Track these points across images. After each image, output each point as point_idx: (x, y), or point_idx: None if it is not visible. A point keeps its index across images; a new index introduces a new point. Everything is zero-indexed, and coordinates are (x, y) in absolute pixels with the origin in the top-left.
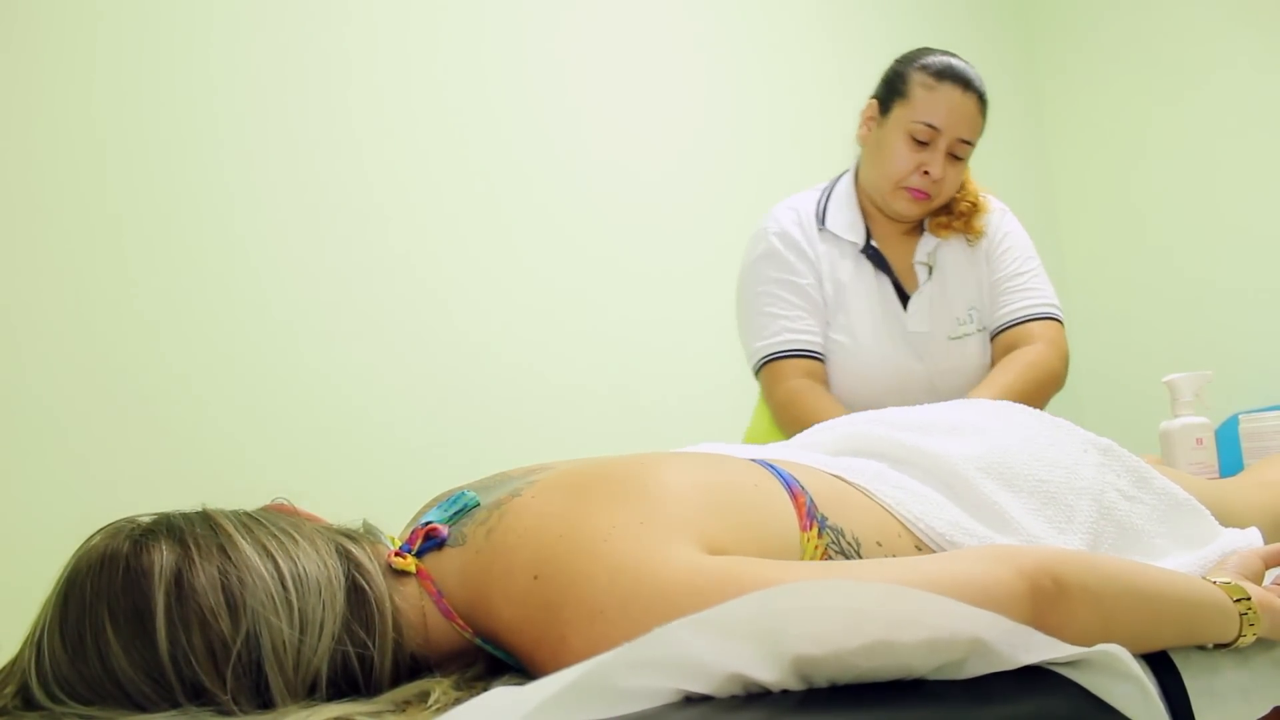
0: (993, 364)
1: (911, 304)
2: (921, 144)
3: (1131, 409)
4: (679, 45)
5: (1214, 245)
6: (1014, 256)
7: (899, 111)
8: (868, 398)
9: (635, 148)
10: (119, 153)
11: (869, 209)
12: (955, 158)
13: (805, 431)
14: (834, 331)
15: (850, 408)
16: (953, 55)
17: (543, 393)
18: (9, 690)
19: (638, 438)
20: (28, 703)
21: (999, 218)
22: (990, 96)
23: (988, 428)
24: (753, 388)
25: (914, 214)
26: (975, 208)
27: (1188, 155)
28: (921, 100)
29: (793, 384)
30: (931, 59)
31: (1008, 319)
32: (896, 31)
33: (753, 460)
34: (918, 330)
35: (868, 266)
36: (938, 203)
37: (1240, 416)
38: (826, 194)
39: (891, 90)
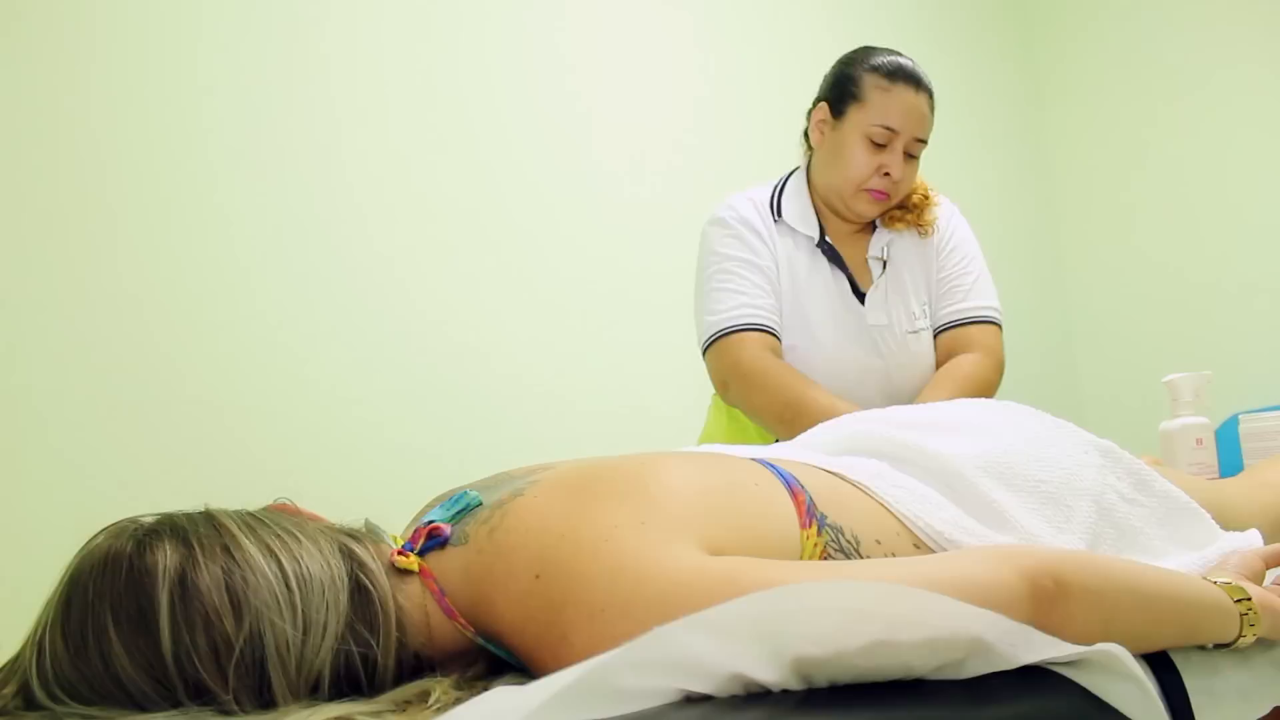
0: (936, 364)
1: (869, 298)
2: (879, 146)
3: (1131, 409)
4: (677, 44)
5: (1214, 245)
6: (960, 255)
7: (855, 115)
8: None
9: (633, 146)
10: (118, 152)
11: (821, 207)
12: (910, 156)
13: (807, 431)
14: (791, 324)
15: None
16: (898, 54)
17: (544, 393)
18: (10, 690)
19: (639, 438)
20: (28, 702)
21: (949, 216)
22: (990, 96)
23: (989, 427)
24: None
25: (874, 214)
26: (926, 200)
27: (1188, 155)
28: (877, 103)
29: (752, 353)
30: (881, 60)
31: (948, 319)
32: (897, 30)
33: (753, 459)
34: (876, 323)
35: (823, 261)
36: (895, 201)
37: (1240, 416)
38: (779, 188)
39: (843, 93)
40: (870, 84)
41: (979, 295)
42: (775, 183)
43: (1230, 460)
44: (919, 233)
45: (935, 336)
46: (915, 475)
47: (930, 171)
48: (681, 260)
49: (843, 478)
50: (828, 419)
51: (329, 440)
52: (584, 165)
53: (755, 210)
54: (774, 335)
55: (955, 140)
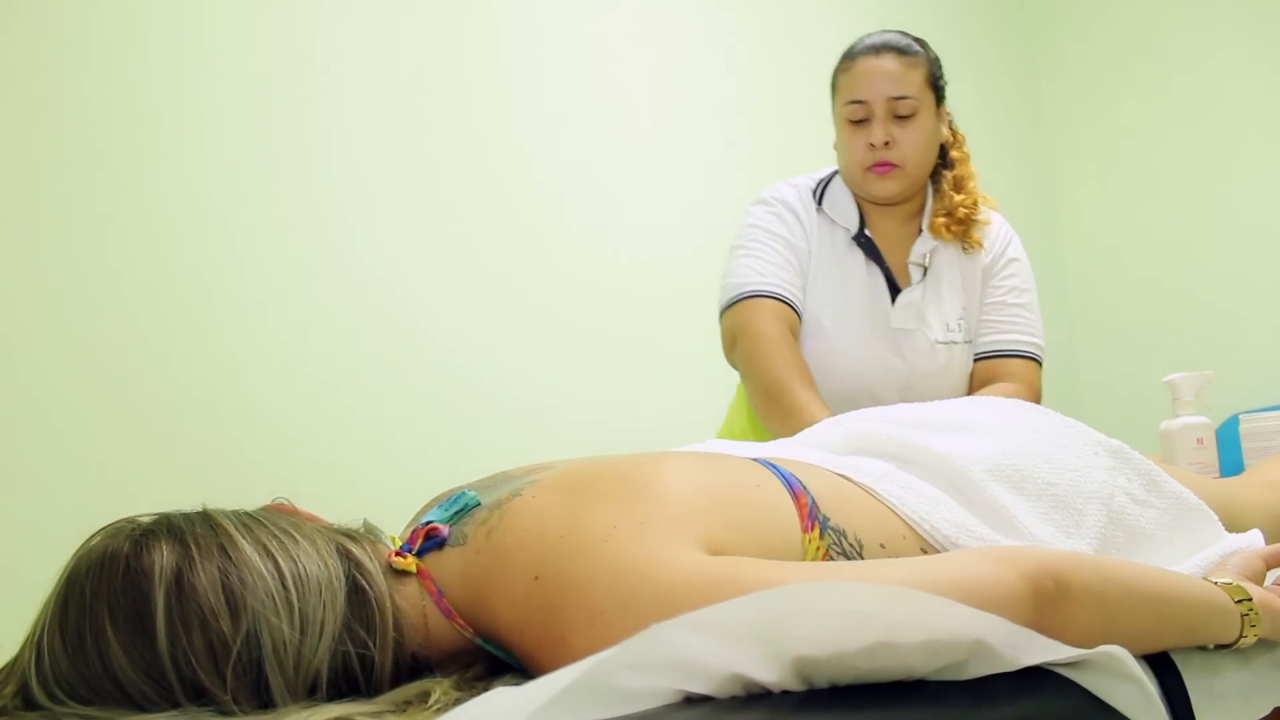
0: (970, 386)
1: (900, 299)
2: (859, 123)
3: (1132, 409)
4: (675, 43)
5: (1214, 245)
6: (1014, 285)
7: (835, 106)
8: (839, 385)
9: (632, 143)
10: (116, 151)
11: (864, 204)
12: (900, 117)
13: (810, 429)
14: (815, 305)
15: (821, 393)
16: (875, 34)
17: (543, 393)
18: (9, 690)
19: (640, 437)
20: (28, 703)
21: (1005, 238)
22: (990, 96)
23: (997, 426)
24: None
25: (892, 190)
26: (973, 212)
27: (1188, 155)
28: (843, 85)
29: (767, 320)
30: (853, 45)
31: (992, 348)
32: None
33: (754, 460)
34: (902, 326)
35: (859, 254)
36: (912, 171)
37: (1240, 416)
38: (826, 181)
39: (831, 91)
40: (838, 72)
41: (1026, 329)
42: (824, 173)
43: (1230, 460)
44: (964, 247)
45: (976, 360)
46: (923, 477)
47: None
48: (680, 262)
49: (848, 479)
50: (800, 418)
51: (327, 440)
52: (586, 166)
53: (798, 196)
54: (793, 309)
55: None
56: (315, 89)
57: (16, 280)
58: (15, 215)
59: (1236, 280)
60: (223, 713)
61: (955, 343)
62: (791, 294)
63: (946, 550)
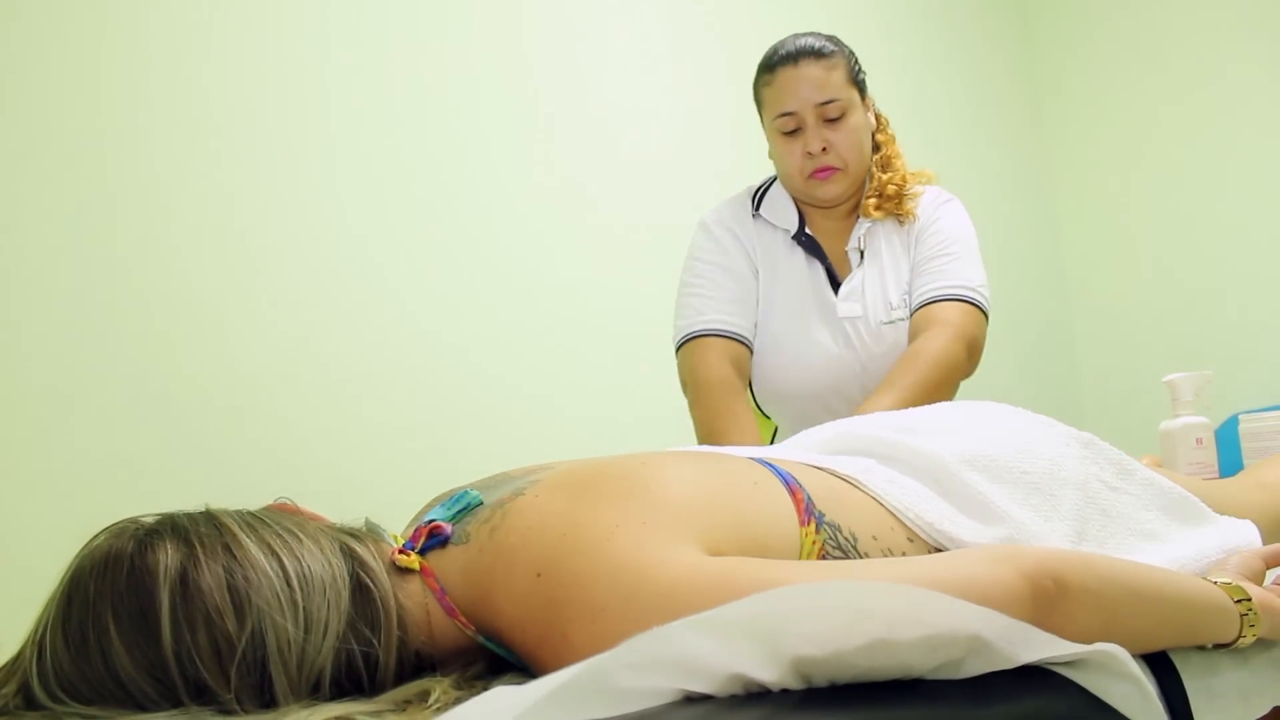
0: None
1: (842, 289)
2: (791, 133)
3: (1131, 409)
4: (678, 41)
5: (1214, 245)
6: (939, 240)
7: (763, 118)
8: (800, 387)
9: (628, 144)
10: (122, 150)
11: (804, 205)
12: (830, 120)
13: (797, 435)
14: (765, 317)
15: (784, 397)
16: (787, 40)
17: (546, 393)
18: (10, 689)
19: (640, 438)
20: (29, 702)
21: (934, 204)
22: (990, 96)
23: (972, 426)
24: None
25: (835, 192)
26: (902, 187)
27: (1188, 155)
28: (768, 99)
29: (708, 362)
30: (768, 55)
31: (918, 300)
32: (898, 31)
33: (751, 459)
34: (849, 315)
35: (800, 254)
36: (853, 169)
37: (1240, 416)
38: (764, 188)
39: (756, 104)
40: (760, 85)
41: (953, 276)
42: (763, 181)
43: (1230, 460)
44: (899, 220)
45: (912, 319)
46: (904, 472)
47: (930, 170)
48: (680, 265)
49: (835, 474)
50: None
51: (329, 440)
52: (590, 165)
53: (733, 210)
54: (739, 341)
55: (955, 140)
56: (320, 92)
57: (17, 280)
58: (16, 215)
59: (1236, 280)
60: (224, 711)
61: (902, 319)
62: (735, 326)
63: (933, 539)
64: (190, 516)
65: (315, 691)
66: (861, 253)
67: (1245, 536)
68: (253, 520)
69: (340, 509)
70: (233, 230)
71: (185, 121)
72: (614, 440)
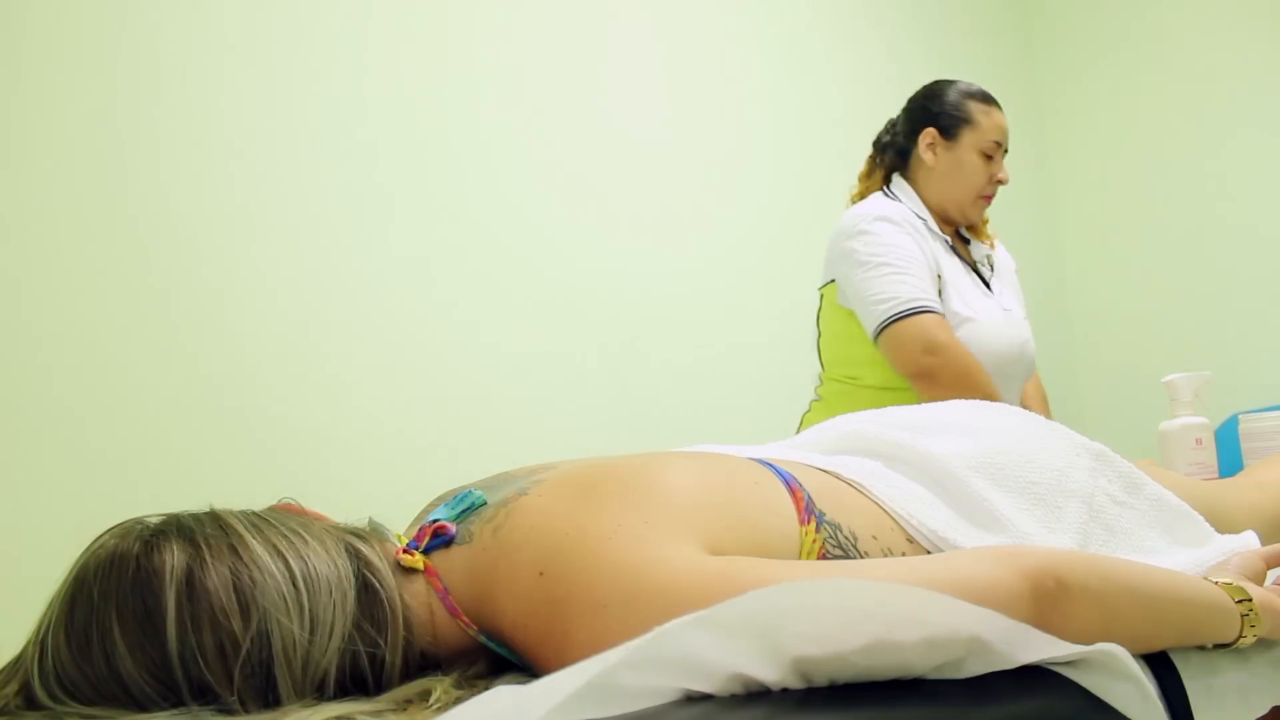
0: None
1: (994, 287)
2: (989, 158)
3: (1131, 409)
4: (679, 47)
5: (1214, 245)
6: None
7: (968, 136)
8: (991, 367)
9: (644, 145)
10: (136, 151)
11: (937, 219)
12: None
13: (806, 432)
14: (949, 309)
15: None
16: (973, 84)
17: (546, 392)
18: (11, 689)
19: (639, 437)
20: (30, 702)
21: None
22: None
23: (980, 428)
24: (772, 391)
25: (981, 216)
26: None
27: (1187, 156)
28: (984, 124)
29: (947, 329)
30: (973, 88)
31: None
32: (898, 32)
33: (752, 459)
34: (1009, 307)
35: (957, 259)
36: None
37: (1240, 416)
38: (908, 206)
39: (954, 119)
40: (975, 109)
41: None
42: (887, 196)
43: (1230, 460)
44: (989, 245)
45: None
46: (908, 475)
47: None
48: (689, 269)
49: (838, 476)
50: (990, 398)
51: (333, 440)
52: (593, 167)
53: (903, 215)
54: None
55: None
56: (333, 92)
57: (19, 280)
58: (16, 215)
59: (1236, 280)
60: (226, 711)
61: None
62: (941, 307)
63: (932, 543)
64: (195, 517)
65: (319, 692)
66: (991, 265)
67: (1242, 539)
68: (258, 521)
69: (344, 509)
70: (237, 230)
71: (192, 120)
72: (615, 440)
